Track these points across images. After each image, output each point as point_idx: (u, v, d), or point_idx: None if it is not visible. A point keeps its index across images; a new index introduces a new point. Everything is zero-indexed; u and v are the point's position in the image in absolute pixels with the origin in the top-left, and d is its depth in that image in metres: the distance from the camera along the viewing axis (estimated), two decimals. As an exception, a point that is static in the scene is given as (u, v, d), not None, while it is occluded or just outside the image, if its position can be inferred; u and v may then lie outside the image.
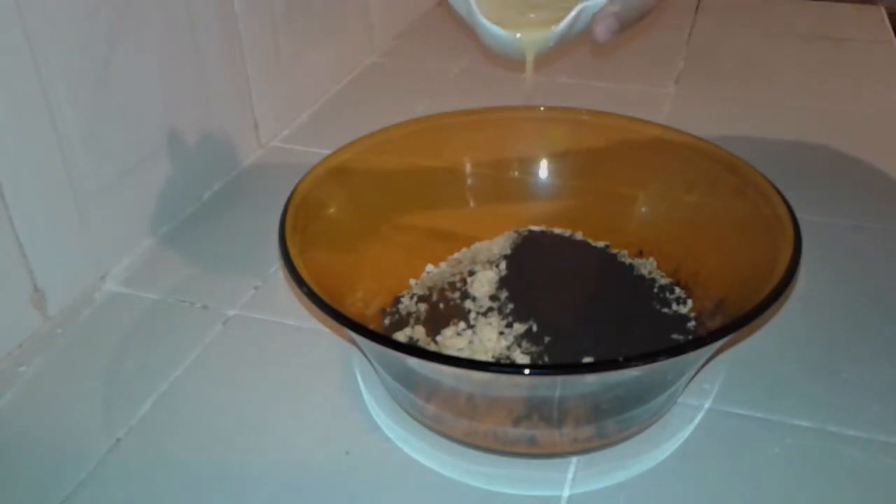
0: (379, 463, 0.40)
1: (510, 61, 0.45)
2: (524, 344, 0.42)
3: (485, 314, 0.44)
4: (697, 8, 0.95)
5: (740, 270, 0.42)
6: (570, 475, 0.39)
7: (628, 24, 0.42)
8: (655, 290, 0.47)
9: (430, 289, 0.48)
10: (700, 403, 0.43)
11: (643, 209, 0.50)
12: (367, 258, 0.47)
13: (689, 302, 0.46)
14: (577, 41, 0.44)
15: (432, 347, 0.43)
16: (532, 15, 0.44)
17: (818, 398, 0.43)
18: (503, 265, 0.47)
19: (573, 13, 0.42)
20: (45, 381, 0.45)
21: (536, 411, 0.38)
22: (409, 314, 0.46)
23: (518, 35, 0.43)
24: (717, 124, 0.67)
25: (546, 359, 0.41)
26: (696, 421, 0.42)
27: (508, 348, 0.42)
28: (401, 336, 0.44)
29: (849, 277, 0.52)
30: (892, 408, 0.43)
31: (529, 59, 0.44)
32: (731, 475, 0.39)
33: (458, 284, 0.47)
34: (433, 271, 0.49)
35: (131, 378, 0.45)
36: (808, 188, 0.59)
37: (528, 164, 0.53)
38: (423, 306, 0.46)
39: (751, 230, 0.43)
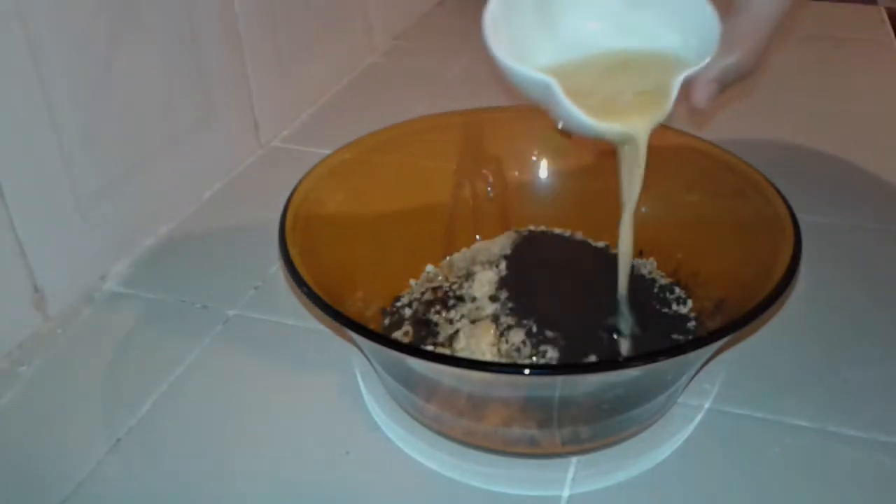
0: (379, 463, 0.40)
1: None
2: (524, 344, 0.42)
3: (484, 314, 0.44)
4: (697, 8, 0.95)
5: (740, 270, 0.42)
6: (570, 475, 0.39)
7: (728, 87, 0.40)
8: (655, 290, 0.47)
9: (430, 289, 0.48)
10: (700, 403, 0.43)
11: (643, 209, 0.50)
12: (367, 258, 0.47)
13: (689, 302, 0.46)
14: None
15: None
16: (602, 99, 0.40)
17: (818, 398, 0.43)
18: (503, 265, 0.47)
19: (675, 91, 0.39)
20: (45, 381, 0.45)
21: (537, 411, 0.38)
22: (409, 314, 0.46)
23: (625, 128, 0.39)
24: (717, 124, 0.67)
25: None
26: (696, 421, 0.42)
27: (509, 349, 0.42)
28: (400, 336, 0.44)
29: (849, 277, 0.52)
30: (892, 408, 0.43)
31: (643, 147, 0.40)
32: (731, 475, 0.39)
33: (458, 284, 0.47)
34: (433, 271, 0.49)
35: (131, 378, 0.45)
36: (808, 188, 0.59)
37: (528, 164, 0.53)
38: (422, 306, 0.46)
39: (751, 230, 0.43)
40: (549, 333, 0.42)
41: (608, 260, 0.49)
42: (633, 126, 0.39)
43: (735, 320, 0.36)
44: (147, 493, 0.39)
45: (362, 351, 0.44)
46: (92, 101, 0.50)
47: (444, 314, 0.45)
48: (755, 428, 0.42)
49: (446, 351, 0.43)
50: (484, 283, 0.46)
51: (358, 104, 0.75)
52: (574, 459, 0.40)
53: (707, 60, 0.39)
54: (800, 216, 0.41)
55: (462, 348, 0.43)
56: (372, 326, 0.43)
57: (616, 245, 0.50)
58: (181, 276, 0.53)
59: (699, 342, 0.36)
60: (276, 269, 0.53)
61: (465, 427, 0.39)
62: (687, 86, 0.39)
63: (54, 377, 0.45)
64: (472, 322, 0.44)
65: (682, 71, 0.39)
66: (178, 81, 0.57)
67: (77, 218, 0.50)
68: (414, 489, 0.39)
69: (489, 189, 0.52)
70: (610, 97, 0.40)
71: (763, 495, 0.38)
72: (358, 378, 0.45)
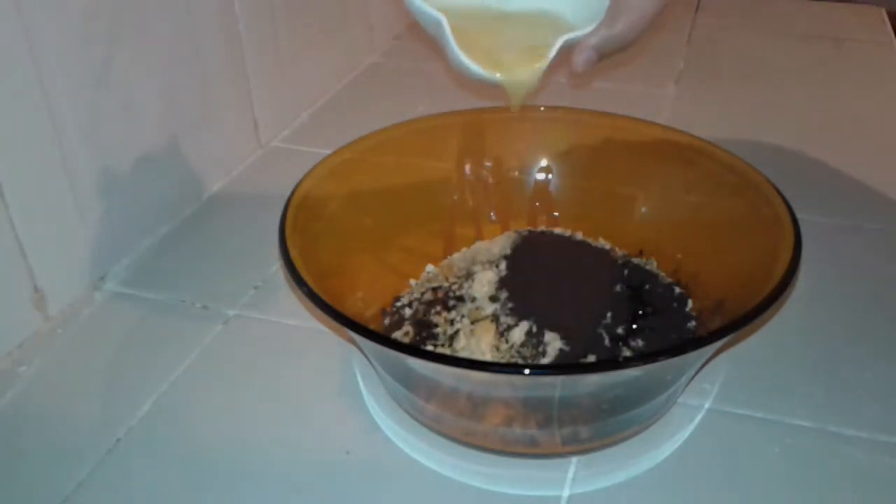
0: (379, 463, 0.40)
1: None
2: (524, 344, 0.42)
3: (484, 314, 0.44)
4: (697, 8, 0.95)
5: (740, 270, 0.42)
6: (570, 475, 0.39)
7: (606, 56, 0.43)
8: (657, 289, 0.47)
9: (430, 289, 0.48)
10: (700, 403, 0.43)
11: (643, 209, 0.50)
12: (367, 258, 0.47)
13: (689, 302, 0.46)
14: (552, 71, 0.43)
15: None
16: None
17: (818, 398, 0.43)
18: (503, 265, 0.47)
19: (555, 50, 0.42)
20: (45, 381, 0.45)
21: (537, 411, 0.38)
22: (409, 314, 0.46)
23: (499, 76, 0.42)
24: (717, 124, 0.67)
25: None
26: (696, 421, 0.42)
27: (509, 349, 0.42)
28: (401, 336, 0.44)
29: (848, 277, 0.52)
30: (892, 408, 0.43)
31: (516, 102, 0.44)
32: (731, 475, 0.39)
33: (458, 284, 0.47)
34: (433, 271, 0.49)
35: (131, 378, 0.45)
36: (808, 188, 0.59)
37: (528, 164, 0.53)
38: (422, 306, 0.46)
39: (751, 230, 0.43)
40: (549, 334, 0.42)
41: (608, 260, 0.49)
42: (508, 76, 0.42)
43: (735, 320, 0.36)
44: (147, 493, 0.39)
45: (362, 351, 0.44)
46: (92, 101, 0.50)
47: (444, 314, 0.45)
48: (755, 428, 0.42)
49: (446, 351, 0.43)
50: (484, 283, 0.46)
51: (358, 104, 0.75)
52: (574, 459, 0.40)
53: (591, 28, 0.42)
54: (800, 216, 0.41)
55: (462, 348, 0.43)
56: (372, 326, 0.43)
57: (616, 245, 0.50)
58: (181, 276, 0.53)
59: (699, 342, 0.36)
60: (276, 269, 0.53)
61: (464, 427, 0.39)
62: (569, 49, 0.42)
63: (54, 377, 0.45)
64: (472, 322, 0.44)
65: (566, 33, 0.42)
66: (178, 81, 0.57)
67: (77, 218, 0.50)
68: (414, 489, 0.39)
69: (489, 189, 0.52)
70: (498, 47, 0.44)
71: (763, 495, 0.38)
72: (358, 378, 0.45)
